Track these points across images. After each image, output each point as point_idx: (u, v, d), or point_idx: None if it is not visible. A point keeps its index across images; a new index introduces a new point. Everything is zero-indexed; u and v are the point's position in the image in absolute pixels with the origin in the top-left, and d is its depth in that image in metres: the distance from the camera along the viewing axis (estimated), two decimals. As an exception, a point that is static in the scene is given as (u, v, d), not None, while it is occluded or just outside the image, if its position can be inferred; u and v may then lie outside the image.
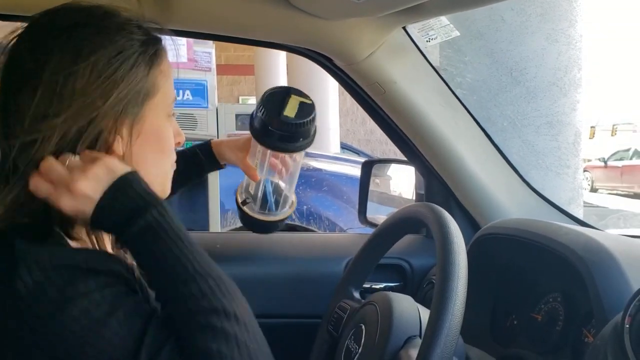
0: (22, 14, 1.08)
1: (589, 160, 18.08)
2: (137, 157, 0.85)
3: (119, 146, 0.83)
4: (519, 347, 1.26)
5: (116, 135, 0.83)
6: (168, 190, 0.95)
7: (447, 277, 0.88)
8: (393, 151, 10.49)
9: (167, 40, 0.95)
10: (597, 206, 8.81)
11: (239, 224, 3.70)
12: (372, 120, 1.60)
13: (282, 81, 9.39)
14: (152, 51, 0.87)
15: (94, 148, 0.81)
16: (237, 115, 3.35)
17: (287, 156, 1.32)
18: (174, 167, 0.97)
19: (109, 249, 0.87)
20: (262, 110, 1.23)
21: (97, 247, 0.83)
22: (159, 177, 0.92)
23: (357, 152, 9.10)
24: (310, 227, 3.79)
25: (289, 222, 3.77)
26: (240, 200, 1.36)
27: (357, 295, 1.22)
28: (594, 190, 16.93)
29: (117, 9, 0.87)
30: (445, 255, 0.90)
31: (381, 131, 1.61)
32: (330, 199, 3.89)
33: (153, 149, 0.89)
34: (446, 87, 1.47)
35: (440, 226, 0.95)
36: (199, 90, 3.30)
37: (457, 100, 1.48)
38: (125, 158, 0.83)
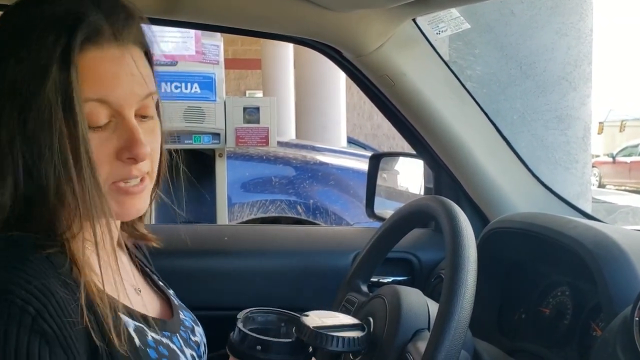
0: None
1: (597, 156, 18.03)
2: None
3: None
4: (526, 341, 1.25)
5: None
6: (117, 215, 0.83)
7: (457, 270, 0.87)
8: (400, 146, 10.46)
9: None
10: (605, 202, 8.78)
11: (246, 217, 3.73)
12: (379, 115, 1.60)
13: (290, 75, 9.38)
14: (61, 49, 0.75)
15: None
16: (244, 109, 3.34)
17: None
18: (123, 187, 0.82)
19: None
20: None
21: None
22: (79, 198, 0.77)
23: (364, 147, 9.09)
24: (316, 222, 3.79)
25: (295, 216, 3.79)
26: None
27: (364, 288, 1.22)
28: (601, 185, 16.89)
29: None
30: (455, 249, 0.90)
31: (388, 126, 1.61)
32: (337, 193, 3.89)
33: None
34: (456, 80, 1.47)
35: (450, 219, 0.95)
36: (207, 84, 3.29)
37: (466, 93, 1.48)
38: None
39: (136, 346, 0.80)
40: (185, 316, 1.00)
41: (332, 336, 0.90)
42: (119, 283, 0.83)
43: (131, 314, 0.83)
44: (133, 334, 0.81)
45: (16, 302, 0.69)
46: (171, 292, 1.04)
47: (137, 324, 0.83)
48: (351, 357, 1.03)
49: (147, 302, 0.93)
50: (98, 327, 0.75)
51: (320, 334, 0.90)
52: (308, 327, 0.91)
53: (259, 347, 0.89)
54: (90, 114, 0.77)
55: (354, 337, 0.93)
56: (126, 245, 1.01)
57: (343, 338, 0.92)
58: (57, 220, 0.78)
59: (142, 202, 0.85)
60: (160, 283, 1.03)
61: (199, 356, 0.96)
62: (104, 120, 0.79)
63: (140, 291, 0.93)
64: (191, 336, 0.96)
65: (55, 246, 0.77)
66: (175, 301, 1.02)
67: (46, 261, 0.75)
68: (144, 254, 1.07)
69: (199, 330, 1.01)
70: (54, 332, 0.71)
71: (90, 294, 0.76)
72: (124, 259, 0.96)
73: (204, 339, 1.02)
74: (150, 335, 0.84)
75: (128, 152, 0.79)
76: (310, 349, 0.94)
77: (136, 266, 1.00)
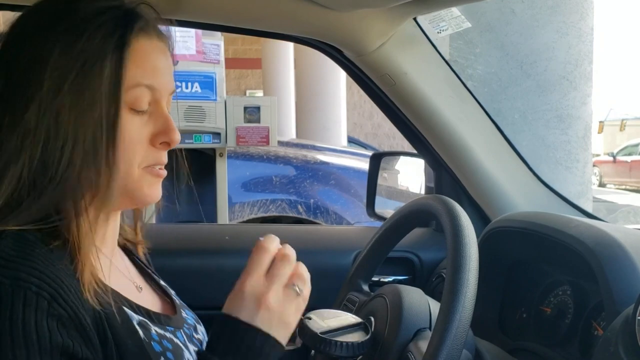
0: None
1: (598, 155, 18.03)
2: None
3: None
4: (528, 340, 1.25)
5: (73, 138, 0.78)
6: (146, 196, 0.86)
7: (458, 270, 0.87)
8: (400, 145, 10.47)
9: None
10: (606, 201, 8.78)
11: (247, 217, 3.72)
12: (379, 114, 1.60)
13: (290, 74, 9.38)
14: (118, 34, 0.80)
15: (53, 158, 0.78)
16: (245, 108, 3.34)
17: None
18: (155, 170, 0.86)
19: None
20: None
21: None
22: (120, 180, 0.82)
23: (364, 146, 9.09)
24: (317, 221, 3.79)
25: (296, 215, 3.79)
26: None
27: (366, 288, 1.22)
28: (602, 185, 16.90)
29: None
30: (457, 248, 0.90)
31: (389, 125, 1.61)
32: (338, 192, 3.89)
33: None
34: (457, 79, 1.46)
35: (451, 218, 0.95)
36: (208, 83, 3.28)
37: (467, 92, 1.48)
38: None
39: (140, 339, 0.81)
40: (187, 315, 1.00)
41: (337, 342, 0.91)
42: (121, 278, 0.84)
43: (134, 308, 0.84)
44: (137, 328, 0.81)
45: (31, 288, 0.71)
46: (172, 292, 1.05)
47: (141, 318, 0.84)
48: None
49: (149, 299, 0.94)
50: (104, 318, 0.77)
51: (324, 339, 0.91)
52: (312, 331, 0.91)
53: None
54: (138, 98, 0.82)
55: (358, 342, 0.93)
56: (127, 246, 1.01)
57: (348, 343, 0.92)
58: (61, 211, 0.79)
59: (160, 190, 0.89)
60: (162, 283, 1.04)
61: None
62: (146, 106, 0.84)
63: (141, 289, 0.94)
64: (194, 333, 0.97)
65: (59, 239, 0.78)
66: (177, 301, 1.02)
67: (51, 254, 0.76)
68: (144, 255, 1.08)
69: (201, 329, 1.02)
70: (69, 315, 0.72)
71: (92, 286, 0.77)
72: (124, 258, 0.97)
73: (207, 338, 1.02)
74: (154, 329, 0.85)
75: (164, 136, 0.85)
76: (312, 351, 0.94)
77: (136, 266, 1.01)
